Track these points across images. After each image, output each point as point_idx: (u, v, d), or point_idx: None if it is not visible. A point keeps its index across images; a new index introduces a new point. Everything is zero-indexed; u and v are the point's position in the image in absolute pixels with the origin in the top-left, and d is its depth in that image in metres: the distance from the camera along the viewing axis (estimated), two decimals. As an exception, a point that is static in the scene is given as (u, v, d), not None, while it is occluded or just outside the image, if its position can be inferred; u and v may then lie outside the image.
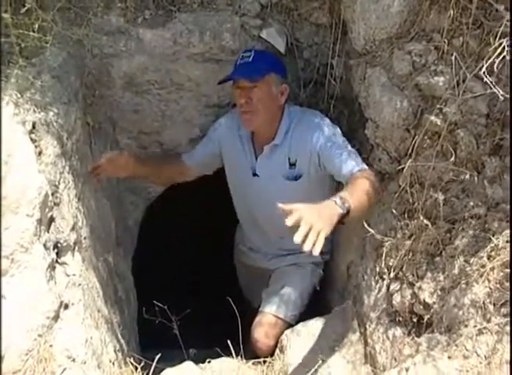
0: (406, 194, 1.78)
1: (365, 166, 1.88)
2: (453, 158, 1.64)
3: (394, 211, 1.82)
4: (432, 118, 1.68)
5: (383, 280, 1.83)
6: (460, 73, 1.62)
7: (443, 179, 1.70)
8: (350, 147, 1.99)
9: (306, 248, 1.43)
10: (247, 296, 2.75)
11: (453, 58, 1.57)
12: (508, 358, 1.31)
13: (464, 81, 1.61)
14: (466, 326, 1.42)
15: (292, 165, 2.18)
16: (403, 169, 1.75)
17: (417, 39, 1.78)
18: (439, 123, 1.67)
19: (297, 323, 2.15)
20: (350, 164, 1.89)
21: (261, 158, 2.23)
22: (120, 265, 2.35)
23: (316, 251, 1.44)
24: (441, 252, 1.62)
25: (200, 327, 2.66)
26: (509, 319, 1.35)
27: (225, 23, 2.17)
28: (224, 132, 2.30)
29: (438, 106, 1.64)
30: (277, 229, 2.26)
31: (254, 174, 2.26)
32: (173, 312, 2.04)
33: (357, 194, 1.71)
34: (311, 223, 1.45)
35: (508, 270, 1.42)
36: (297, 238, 1.43)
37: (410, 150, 1.75)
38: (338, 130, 2.08)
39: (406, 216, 1.79)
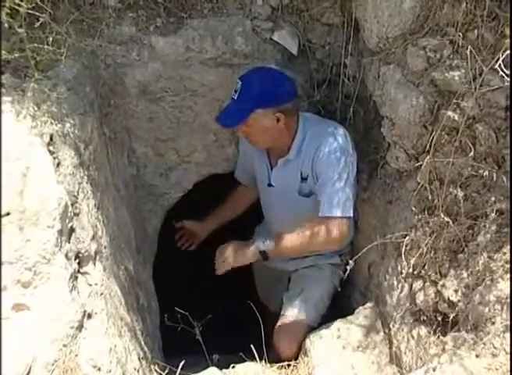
0: (425, 191, 1.76)
1: (336, 214, 2.02)
2: (472, 153, 1.62)
3: (414, 209, 1.80)
4: (450, 113, 1.65)
5: (405, 279, 1.81)
6: (476, 66, 1.59)
7: (463, 174, 1.67)
8: (343, 182, 2.03)
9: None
10: (264, 300, 2.74)
11: (468, 51, 1.55)
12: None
13: (480, 75, 1.59)
14: (493, 323, 1.40)
15: (304, 179, 2.19)
16: (421, 166, 1.73)
17: (431, 34, 1.76)
18: (456, 118, 1.64)
19: (320, 325, 2.14)
20: (322, 207, 2.05)
21: (275, 169, 2.26)
22: (141, 272, 2.37)
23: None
24: (463, 249, 1.60)
25: (223, 332, 2.66)
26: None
27: (236, 27, 2.17)
28: (246, 145, 2.32)
29: (455, 101, 1.61)
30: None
31: (269, 184, 2.30)
32: (195, 317, 2.05)
33: (286, 241, 2.11)
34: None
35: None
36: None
37: (427, 147, 1.73)
38: (342, 154, 2.05)
39: (426, 213, 1.77)
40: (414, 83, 1.78)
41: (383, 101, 1.89)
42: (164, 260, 2.74)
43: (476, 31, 1.64)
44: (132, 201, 2.42)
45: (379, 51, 1.91)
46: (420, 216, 1.79)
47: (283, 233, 2.12)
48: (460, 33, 1.66)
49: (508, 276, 1.42)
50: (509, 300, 1.40)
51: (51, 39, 1.68)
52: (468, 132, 1.65)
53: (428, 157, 1.66)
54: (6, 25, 1.65)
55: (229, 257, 2.15)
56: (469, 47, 1.58)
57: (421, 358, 1.61)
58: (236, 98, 2.04)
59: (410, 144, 1.84)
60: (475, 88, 1.58)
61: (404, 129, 1.82)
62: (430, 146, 1.70)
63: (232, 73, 2.23)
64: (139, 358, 1.89)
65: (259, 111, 2.03)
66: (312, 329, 2.14)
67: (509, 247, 1.45)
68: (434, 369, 1.40)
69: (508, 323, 1.36)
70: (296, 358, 2.08)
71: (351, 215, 2.07)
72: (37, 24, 1.69)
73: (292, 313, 2.23)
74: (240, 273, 2.90)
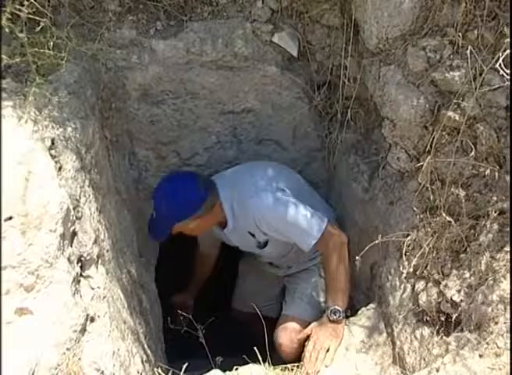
0: (427, 191, 1.76)
1: (316, 236, 2.05)
2: (473, 153, 1.62)
3: (415, 209, 1.80)
4: (450, 113, 1.65)
5: (408, 279, 1.81)
6: (476, 66, 1.60)
7: (464, 174, 1.68)
8: (292, 214, 2.06)
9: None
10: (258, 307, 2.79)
11: (468, 51, 1.55)
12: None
13: (480, 74, 1.59)
14: (496, 323, 1.39)
15: (253, 235, 2.26)
16: (422, 166, 1.73)
17: (431, 35, 1.77)
18: (457, 118, 1.65)
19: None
20: (302, 243, 2.10)
21: (230, 237, 2.35)
22: (143, 276, 2.37)
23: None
24: (466, 249, 1.60)
25: (226, 335, 2.66)
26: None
27: (236, 30, 2.17)
28: None
29: (455, 101, 1.62)
30: (276, 263, 2.59)
31: (236, 247, 2.45)
32: (198, 320, 2.05)
33: (336, 285, 2.05)
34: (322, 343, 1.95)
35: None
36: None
37: (428, 147, 1.74)
38: (274, 196, 2.10)
39: (428, 213, 1.77)
40: (415, 84, 1.78)
41: (384, 102, 1.89)
42: (166, 263, 2.74)
43: (476, 31, 1.65)
44: (134, 205, 2.43)
45: (379, 52, 1.92)
46: (422, 217, 1.79)
47: (328, 286, 2.11)
48: (460, 34, 1.66)
49: (510, 275, 1.42)
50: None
51: (51, 43, 1.69)
52: (469, 132, 1.65)
53: (429, 157, 1.66)
54: (7, 30, 1.65)
55: (332, 344, 1.98)
56: (469, 47, 1.58)
57: (424, 359, 1.61)
58: (155, 216, 2.15)
59: (411, 145, 1.84)
60: (476, 88, 1.59)
61: (405, 129, 1.82)
62: (431, 146, 1.70)
63: (233, 75, 2.23)
64: (142, 361, 1.90)
65: (178, 224, 2.12)
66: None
67: (512, 246, 1.45)
68: (437, 370, 1.40)
69: None
70: (299, 358, 2.08)
71: (324, 222, 2.09)
72: (38, 29, 1.70)
73: (290, 313, 2.32)
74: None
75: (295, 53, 2.21)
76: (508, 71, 1.41)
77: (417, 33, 1.79)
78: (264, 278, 2.72)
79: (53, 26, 1.84)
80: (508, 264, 1.45)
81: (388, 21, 1.82)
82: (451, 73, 1.67)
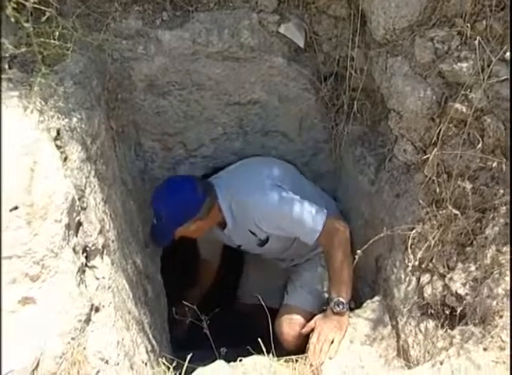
0: (433, 184, 1.75)
1: (318, 230, 2.08)
2: (480, 146, 1.61)
3: (422, 202, 1.79)
4: (457, 105, 1.64)
5: (413, 272, 1.80)
6: (484, 57, 1.58)
7: (471, 167, 1.66)
8: (297, 208, 2.09)
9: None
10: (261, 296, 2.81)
11: (476, 42, 1.53)
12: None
13: (489, 66, 1.57)
14: (501, 316, 1.39)
15: (253, 233, 2.28)
16: (428, 159, 1.72)
17: (439, 25, 1.74)
18: (464, 110, 1.63)
19: (323, 310, 2.15)
20: (306, 238, 2.13)
21: (232, 236, 2.37)
22: (149, 266, 2.38)
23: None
24: (472, 242, 1.59)
25: (231, 326, 2.66)
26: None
27: (242, 21, 2.15)
28: None
29: (462, 93, 1.60)
30: (278, 258, 2.59)
31: (239, 246, 2.47)
32: (203, 311, 2.06)
33: (340, 277, 2.06)
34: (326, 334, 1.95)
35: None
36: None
37: (435, 139, 1.72)
38: (275, 194, 2.13)
39: (434, 206, 1.76)
40: (422, 76, 1.76)
41: (390, 93, 1.87)
42: (172, 253, 2.74)
43: (484, 22, 1.62)
44: (140, 195, 2.43)
45: (386, 43, 1.89)
46: (428, 209, 1.78)
47: (331, 278, 2.13)
48: (469, 24, 1.64)
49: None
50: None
51: (57, 33, 1.68)
52: (476, 124, 1.64)
53: (435, 150, 1.65)
54: (13, 20, 1.65)
55: (336, 336, 1.98)
56: (477, 38, 1.56)
57: (428, 352, 1.61)
58: (155, 222, 2.19)
59: (418, 137, 1.82)
60: (483, 79, 1.57)
61: (412, 121, 1.80)
62: (438, 139, 1.69)
63: (239, 66, 2.22)
64: (147, 351, 1.91)
65: (180, 228, 2.17)
66: (314, 315, 2.17)
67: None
68: (441, 363, 1.40)
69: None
70: (303, 349, 2.08)
71: (325, 215, 2.12)
72: (44, 19, 1.69)
73: (291, 302, 2.36)
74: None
75: (301, 44, 2.19)
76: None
77: (424, 23, 1.77)
78: (268, 270, 2.73)
79: (59, 16, 1.84)
80: (513, 257, 1.44)
81: (395, 12, 1.80)
82: (459, 64, 1.65)
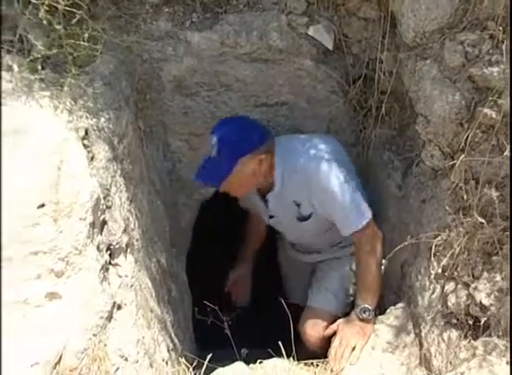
0: (460, 190, 1.71)
1: (359, 225, 2.04)
2: (508, 152, 1.56)
3: (448, 208, 1.75)
4: (486, 110, 1.59)
5: (437, 280, 1.76)
6: (516, 62, 1.53)
7: (499, 174, 1.62)
8: (349, 193, 2.01)
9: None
10: (288, 291, 2.83)
11: (507, 46, 1.49)
12: None
13: (520, 71, 1.53)
14: (526, 329, 1.35)
15: (298, 205, 2.19)
16: (456, 164, 1.68)
17: (470, 28, 1.70)
18: (493, 115, 1.59)
19: (346, 314, 2.15)
20: (344, 227, 2.08)
21: (270, 204, 2.27)
22: (174, 265, 2.40)
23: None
24: (498, 251, 1.55)
25: (254, 327, 2.67)
26: None
27: (271, 22, 2.15)
28: None
29: (492, 98, 1.56)
30: (307, 245, 2.52)
31: (271, 216, 2.34)
32: (225, 312, 2.06)
33: (368, 283, 2.05)
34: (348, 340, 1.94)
35: None
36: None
37: (463, 145, 1.68)
38: (332, 169, 2.02)
39: (460, 213, 1.72)
40: (451, 80, 1.73)
41: (418, 97, 1.84)
42: (197, 253, 2.77)
43: (516, 25, 1.58)
44: (167, 195, 2.46)
45: (416, 46, 1.86)
46: (454, 216, 1.74)
47: (360, 284, 2.10)
48: (501, 27, 1.59)
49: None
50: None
51: (87, 35, 1.72)
52: (505, 130, 1.59)
53: (462, 156, 1.61)
54: (45, 22, 1.70)
55: (358, 343, 1.96)
56: (509, 41, 1.52)
57: (450, 363, 1.57)
58: (214, 154, 2.01)
59: (446, 143, 1.78)
60: (515, 85, 1.52)
61: (439, 126, 1.77)
62: (465, 144, 1.65)
63: (267, 68, 2.22)
64: (168, 350, 1.93)
65: (242, 159, 2.02)
66: (337, 318, 2.17)
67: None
68: (462, 374, 1.37)
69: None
70: (325, 352, 2.07)
71: (370, 216, 2.07)
72: (74, 21, 1.73)
73: (315, 303, 2.31)
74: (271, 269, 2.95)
75: (330, 46, 2.18)
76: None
77: (455, 26, 1.73)
78: (296, 268, 2.70)
79: (91, 18, 1.88)
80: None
81: (425, 14, 1.77)
82: (489, 68, 1.61)
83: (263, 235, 2.72)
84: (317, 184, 2.04)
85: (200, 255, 2.76)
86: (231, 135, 2.02)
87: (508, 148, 1.52)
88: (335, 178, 2.01)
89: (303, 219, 2.22)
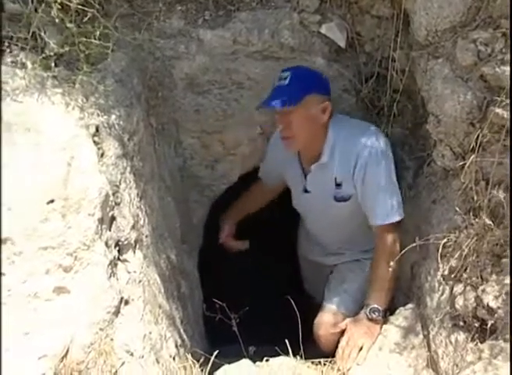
0: (470, 191, 1.69)
1: (391, 219, 2.05)
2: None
3: (458, 209, 1.73)
4: (498, 110, 1.57)
5: (447, 281, 1.75)
6: (529, 61, 1.51)
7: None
8: (391, 185, 2.05)
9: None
10: (308, 290, 2.77)
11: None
12: None
13: (533, 70, 1.50)
14: (533, 334, 1.32)
15: (338, 185, 2.17)
16: (467, 165, 1.66)
17: (483, 27, 1.67)
18: (505, 115, 1.56)
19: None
20: (377, 214, 2.07)
21: (310, 176, 2.24)
22: (185, 262, 2.41)
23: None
24: (507, 254, 1.52)
25: (264, 325, 2.67)
26: None
27: (283, 20, 2.15)
28: (275, 152, 2.36)
29: (504, 98, 1.53)
30: (332, 239, 2.42)
31: (306, 190, 2.29)
32: (234, 309, 2.06)
33: (382, 283, 2.04)
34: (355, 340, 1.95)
35: None
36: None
37: (474, 145, 1.66)
38: (384, 157, 2.05)
39: (471, 214, 1.70)
40: (463, 79, 1.70)
41: (430, 96, 1.82)
42: (208, 250, 2.78)
43: (530, 24, 1.55)
44: (178, 192, 2.47)
45: (428, 44, 1.84)
46: (464, 217, 1.72)
47: (373, 283, 2.09)
48: (514, 26, 1.56)
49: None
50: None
51: (98, 33, 1.74)
52: (517, 131, 1.56)
53: (472, 156, 1.59)
54: (57, 20, 1.72)
55: (366, 343, 1.95)
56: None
57: (457, 365, 1.55)
58: (287, 83, 2.02)
59: (457, 142, 1.76)
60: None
61: (450, 126, 1.75)
62: (476, 144, 1.63)
63: (279, 66, 2.21)
64: (176, 346, 1.94)
65: (313, 95, 2.04)
66: None
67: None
68: (466, 378, 1.35)
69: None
70: (333, 352, 2.06)
71: (401, 215, 2.08)
72: (86, 19, 1.75)
73: (331, 305, 2.25)
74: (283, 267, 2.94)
75: (343, 44, 2.17)
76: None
77: (468, 25, 1.71)
78: (315, 272, 2.65)
79: (103, 16, 1.90)
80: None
81: (438, 12, 1.75)
82: (502, 67, 1.58)
83: (257, 206, 2.68)
84: (367, 169, 2.05)
85: (211, 252, 2.76)
86: (305, 71, 2.09)
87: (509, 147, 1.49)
88: (385, 170, 2.05)
89: (341, 199, 2.18)
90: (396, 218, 2.06)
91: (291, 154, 2.26)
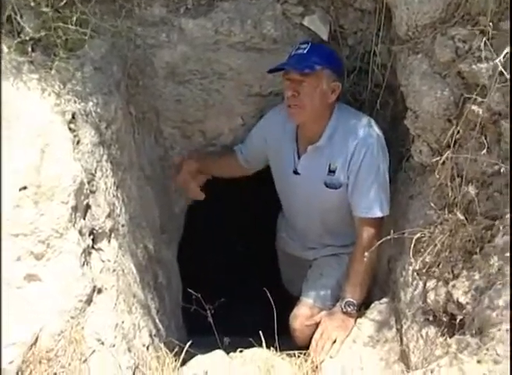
0: (446, 187, 1.70)
1: (373, 213, 2.06)
2: (496, 151, 1.54)
3: (433, 205, 1.74)
4: (474, 107, 1.57)
5: (420, 276, 1.76)
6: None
7: (486, 172, 1.60)
8: (379, 180, 2.05)
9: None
10: (285, 284, 2.77)
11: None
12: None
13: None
14: (499, 329, 1.33)
15: (331, 171, 2.15)
16: (443, 161, 1.67)
17: (462, 23, 1.68)
18: (481, 112, 1.56)
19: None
20: (361, 206, 2.09)
21: (303, 157, 2.21)
22: (163, 252, 2.41)
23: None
24: (479, 250, 1.54)
25: (240, 316, 2.68)
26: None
27: (266, 11, 2.13)
28: (270, 127, 2.31)
29: (480, 95, 1.54)
30: (314, 229, 2.38)
31: (296, 172, 2.24)
32: (212, 300, 2.06)
33: (358, 277, 2.07)
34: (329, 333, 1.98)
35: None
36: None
37: (450, 141, 1.66)
38: (382, 154, 2.06)
39: (446, 210, 1.71)
40: (441, 75, 1.71)
41: (408, 91, 1.82)
42: (189, 241, 2.77)
43: (508, 22, 1.55)
44: (158, 182, 2.46)
45: (408, 39, 1.84)
46: (439, 213, 1.73)
47: (349, 277, 2.10)
48: (491, 23, 1.56)
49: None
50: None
51: (75, 19, 1.71)
52: (493, 128, 1.57)
53: (448, 152, 1.60)
54: (33, 4, 1.69)
55: (339, 336, 1.97)
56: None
57: (426, 359, 1.57)
58: (305, 52, 2.02)
59: (434, 138, 1.77)
60: (505, 81, 1.50)
61: (428, 122, 1.75)
62: (453, 141, 1.63)
63: (261, 57, 2.20)
64: (150, 335, 1.93)
65: (326, 71, 2.03)
66: None
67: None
68: (432, 372, 1.36)
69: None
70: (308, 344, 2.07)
71: (386, 213, 2.09)
72: (63, 3, 1.72)
73: (308, 299, 2.25)
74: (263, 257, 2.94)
75: (325, 37, 2.15)
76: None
77: (447, 21, 1.71)
78: (294, 265, 2.65)
79: (83, 1, 1.87)
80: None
81: (418, 7, 1.75)
82: (479, 64, 1.58)
83: (219, 173, 2.58)
84: (363, 162, 2.05)
85: (192, 242, 2.76)
86: (324, 47, 2.10)
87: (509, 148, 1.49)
88: (380, 166, 2.05)
89: (332, 186, 2.16)
90: (378, 213, 2.06)
91: (288, 130, 2.22)
